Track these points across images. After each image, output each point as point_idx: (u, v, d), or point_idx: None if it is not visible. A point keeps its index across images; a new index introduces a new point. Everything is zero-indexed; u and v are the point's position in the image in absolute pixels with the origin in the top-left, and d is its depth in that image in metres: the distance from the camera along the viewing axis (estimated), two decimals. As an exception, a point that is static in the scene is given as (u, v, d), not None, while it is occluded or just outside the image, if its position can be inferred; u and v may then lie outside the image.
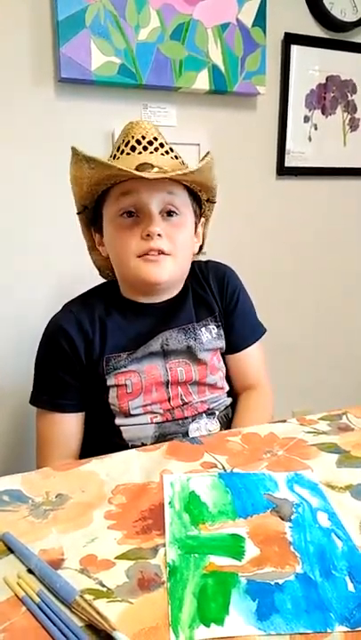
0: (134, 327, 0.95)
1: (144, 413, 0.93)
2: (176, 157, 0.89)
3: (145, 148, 0.86)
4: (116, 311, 0.96)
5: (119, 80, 1.35)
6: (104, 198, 0.90)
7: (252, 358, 1.06)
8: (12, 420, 1.44)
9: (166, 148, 0.88)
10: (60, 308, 0.98)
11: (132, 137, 0.87)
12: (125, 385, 0.92)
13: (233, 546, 0.54)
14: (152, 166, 0.83)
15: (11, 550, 0.53)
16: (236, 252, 1.64)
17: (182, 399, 0.95)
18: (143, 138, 0.87)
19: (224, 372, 1.03)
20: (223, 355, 1.03)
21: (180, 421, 0.94)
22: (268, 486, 0.65)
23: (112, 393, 0.92)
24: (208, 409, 0.97)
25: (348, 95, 1.76)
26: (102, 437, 0.94)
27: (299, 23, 1.62)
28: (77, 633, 0.43)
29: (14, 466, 0.72)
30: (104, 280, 1.06)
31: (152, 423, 0.93)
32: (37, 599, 0.47)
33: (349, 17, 1.66)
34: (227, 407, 1.02)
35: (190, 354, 0.96)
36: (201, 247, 1.02)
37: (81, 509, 0.60)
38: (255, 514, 0.59)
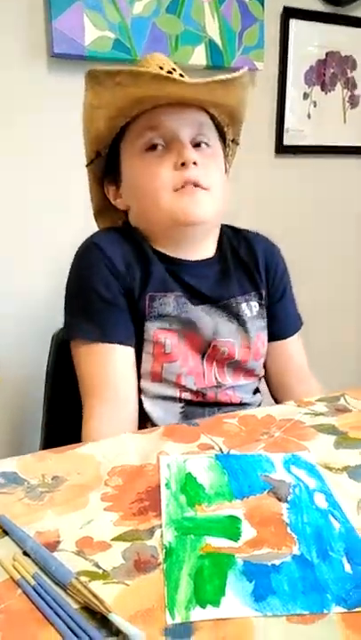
0: (175, 278, 0.83)
1: (175, 384, 0.82)
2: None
3: (170, 73, 0.77)
4: (146, 259, 0.83)
5: (114, 55, 1.32)
6: (122, 138, 0.82)
7: (297, 347, 0.97)
8: (9, 405, 1.43)
9: (187, 77, 0.79)
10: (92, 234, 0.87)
11: (147, 68, 0.79)
12: (164, 343, 0.81)
13: (229, 527, 0.54)
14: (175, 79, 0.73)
15: (6, 532, 0.53)
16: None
17: (217, 379, 0.86)
18: (161, 68, 0.79)
19: (264, 354, 0.94)
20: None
21: (208, 411, 0.84)
22: (264, 467, 0.64)
23: (147, 348, 0.81)
24: (241, 403, 0.89)
25: (348, 71, 1.73)
26: None
27: (298, -4, 1.59)
28: (73, 615, 0.43)
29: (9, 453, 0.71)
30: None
31: (179, 400, 0.83)
32: (33, 581, 0.47)
33: (350, -10, 1.62)
34: (258, 407, 0.93)
35: (237, 332, 0.87)
36: None
37: (77, 491, 0.60)
38: (252, 495, 0.59)
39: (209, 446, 0.70)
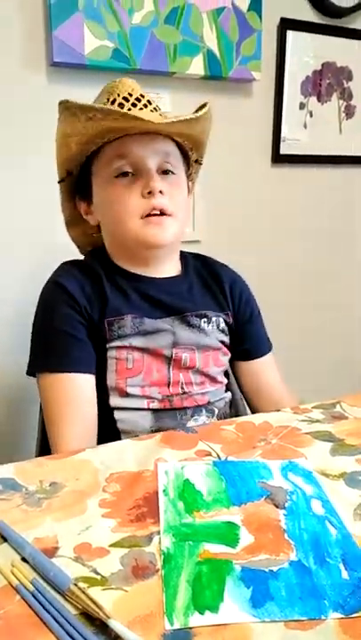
0: (136, 295, 0.89)
1: (141, 396, 0.87)
2: (162, 115, 0.87)
3: (134, 105, 0.83)
4: (113, 280, 0.90)
5: (113, 64, 1.33)
6: (92, 161, 0.86)
7: (271, 367, 1.02)
8: (6, 411, 1.43)
9: (154, 105, 0.86)
10: (55, 269, 0.93)
11: (118, 94, 0.84)
12: (126, 359, 0.87)
13: (227, 533, 0.54)
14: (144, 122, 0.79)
15: (4, 539, 0.53)
16: (232, 240, 1.64)
17: (182, 387, 0.90)
18: (130, 95, 0.84)
19: (227, 364, 0.99)
20: (232, 360, 1.01)
21: (178, 413, 0.89)
22: (262, 474, 0.65)
23: (110, 366, 0.87)
24: (208, 402, 0.93)
25: (344, 82, 1.75)
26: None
27: (295, 8, 1.61)
28: (72, 621, 0.43)
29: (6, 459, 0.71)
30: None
31: (148, 410, 0.88)
32: (31, 587, 0.47)
33: (346, 2, 1.65)
34: (226, 404, 0.98)
35: (198, 338, 0.92)
36: None
37: (75, 497, 0.60)
38: (249, 501, 0.59)
39: (206, 453, 0.70)
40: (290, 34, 1.60)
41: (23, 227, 1.38)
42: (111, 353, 0.87)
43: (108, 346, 0.86)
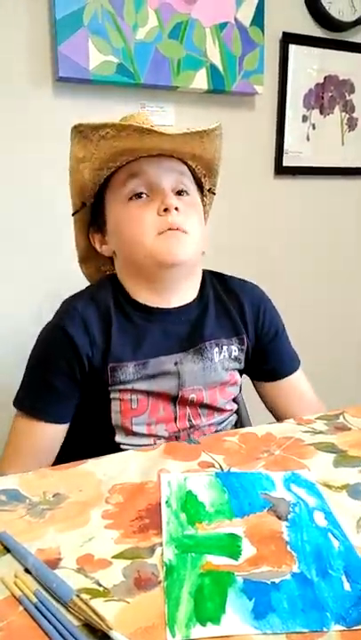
0: (143, 335, 0.86)
1: (147, 434, 0.85)
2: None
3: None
4: (123, 313, 0.86)
5: (117, 79, 1.35)
6: (106, 189, 0.85)
7: (302, 383, 0.98)
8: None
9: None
10: (63, 301, 0.89)
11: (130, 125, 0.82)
12: (130, 400, 0.85)
13: (230, 545, 0.54)
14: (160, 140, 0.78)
15: (8, 550, 0.53)
16: (234, 252, 1.64)
17: (190, 420, 0.88)
18: (143, 124, 0.82)
19: (236, 393, 0.95)
20: (257, 382, 0.97)
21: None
22: (265, 485, 0.65)
23: (114, 407, 0.85)
24: (216, 431, 0.91)
25: (346, 95, 1.76)
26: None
27: (297, 23, 1.62)
28: (74, 632, 0.43)
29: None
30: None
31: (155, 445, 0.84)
32: (34, 599, 0.47)
33: (347, 17, 1.66)
34: (233, 427, 0.96)
35: (205, 376, 0.88)
36: None
37: (78, 509, 0.60)
38: (252, 513, 0.60)
39: (209, 464, 0.70)
40: (292, 47, 1.62)
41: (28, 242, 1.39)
42: (114, 394, 0.85)
43: (110, 389, 0.84)
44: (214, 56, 1.46)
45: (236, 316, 0.93)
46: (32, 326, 0.90)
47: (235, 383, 0.93)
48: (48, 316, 0.88)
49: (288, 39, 1.61)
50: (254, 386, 0.99)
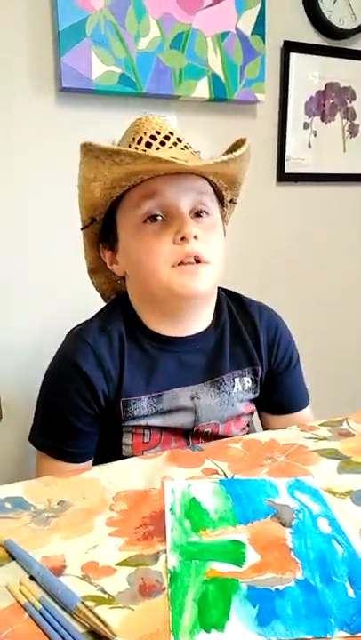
0: (156, 365, 0.82)
1: None
2: (194, 153, 0.79)
3: (162, 144, 0.76)
4: (136, 342, 0.82)
5: (120, 89, 1.36)
6: (117, 206, 0.79)
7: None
8: (16, 431, 1.44)
9: (184, 143, 0.78)
10: (70, 333, 0.85)
11: (145, 133, 0.77)
12: (142, 434, 0.82)
13: (234, 552, 0.54)
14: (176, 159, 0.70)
15: (12, 557, 0.54)
16: (236, 259, 1.65)
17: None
18: (158, 133, 0.77)
19: (250, 419, 0.93)
20: (261, 411, 0.95)
21: None
22: (268, 492, 0.65)
23: (126, 439, 0.82)
24: None
25: (348, 102, 1.77)
26: None
27: (298, 31, 1.63)
28: (79, 639, 0.44)
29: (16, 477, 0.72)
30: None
31: None
32: (39, 606, 0.47)
33: (348, 24, 1.67)
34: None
35: (222, 410, 0.85)
36: None
37: (82, 516, 0.60)
38: (256, 520, 0.60)
39: (213, 471, 0.70)
40: (293, 56, 1.63)
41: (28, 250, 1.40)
42: (127, 428, 0.82)
43: (123, 424, 0.82)
44: (216, 65, 1.47)
45: (252, 346, 0.89)
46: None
47: (250, 413, 0.91)
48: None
49: (289, 47, 1.62)
50: (258, 412, 0.96)
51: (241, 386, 0.88)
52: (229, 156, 0.72)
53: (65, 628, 0.45)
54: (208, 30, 1.45)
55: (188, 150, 0.79)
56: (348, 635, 0.44)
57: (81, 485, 0.67)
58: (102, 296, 0.96)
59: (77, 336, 0.83)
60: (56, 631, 0.44)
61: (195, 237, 0.74)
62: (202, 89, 1.46)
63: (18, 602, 0.48)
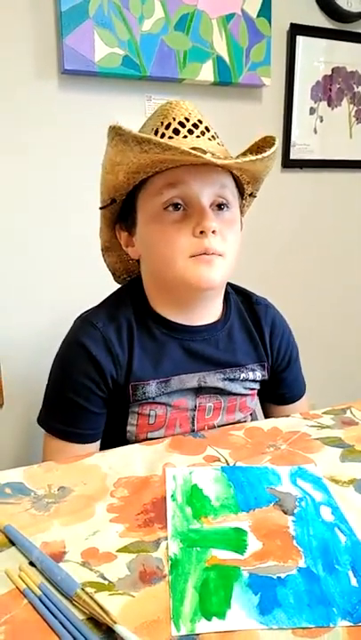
0: (163, 351, 0.84)
1: None
2: (220, 144, 0.79)
3: (190, 132, 0.75)
4: (144, 327, 0.84)
5: (123, 72, 1.34)
6: (139, 190, 0.79)
7: (305, 408, 0.97)
8: (16, 420, 1.44)
9: (212, 132, 0.78)
10: (79, 318, 0.86)
11: (174, 119, 0.76)
12: (148, 415, 0.84)
13: (235, 539, 0.54)
14: (204, 152, 0.69)
15: (12, 543, 0.53)
16: (241, 245, 1.63)
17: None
18: (187, 120, 0.76)
19: (253, 408, 0.95)
20: (264, 401, 0.99)
21: None
22: (271, 480, 0.64)
23: (132, 420, 0.84)
24: None
25: (355, 87, 1.74)
26: None
27: (304, 14, 1.60)
28: (78, 626, 0.43)
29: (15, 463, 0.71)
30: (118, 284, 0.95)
31: None
32: (39, 592, 0.47)
33: (356, 7, 1.64)
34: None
35: (224, 390, 0.87)
36: None
37: (83, 502, 0.60)
38: (258, 507, 0.59)
39: (215, 458, 0.70)
40: (300, 39, 1.60)
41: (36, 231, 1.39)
42: (133, 409, 0.84)
43: (132, 404, 0.83)
44: (221, 48, 1.45)
45: (259, 341, 0.91)
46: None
47: (253, 398, 0.94)
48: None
49: (295, 30, 1.59)
50: (260, 402, 1.00)
51: (251, 375, 0.90)
52: (259, 156, 0.72)
53: (64, 615, 0.44)
54: (213, 12, 1.42)
55: (215, 141, 0.78)
56: (351, 624, 0.44)
57: (82, 471, 0.67)
58: (113, 275, 0.97)
59: (86, 321, 0.84)
60: (55, 617, 0.44)
61: (213, 232, 0.75)
62: (207, 72, 1.44)
63: (17, 588, 0.48)
